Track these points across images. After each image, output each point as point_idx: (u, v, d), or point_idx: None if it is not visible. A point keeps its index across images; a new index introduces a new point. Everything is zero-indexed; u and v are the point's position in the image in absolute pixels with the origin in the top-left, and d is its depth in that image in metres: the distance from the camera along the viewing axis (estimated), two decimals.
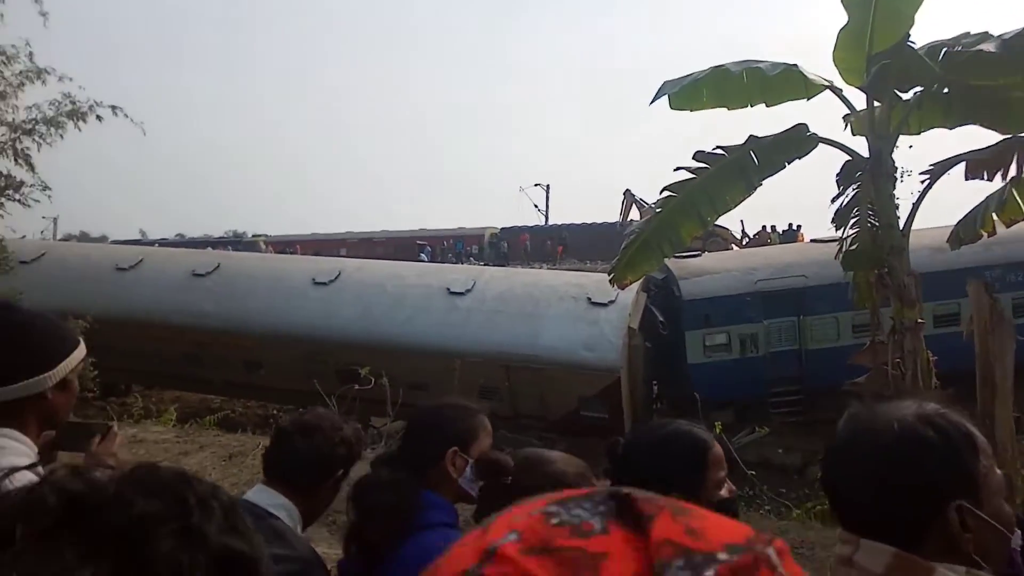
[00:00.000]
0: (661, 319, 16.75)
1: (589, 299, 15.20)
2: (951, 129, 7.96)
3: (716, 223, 26.03)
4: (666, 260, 18.32)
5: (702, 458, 1.68)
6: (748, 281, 16.27)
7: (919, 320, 6.99)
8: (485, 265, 23.36)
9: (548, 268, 23.66)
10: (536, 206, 46.57)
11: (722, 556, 0.45)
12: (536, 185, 47.78)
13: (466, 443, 2.00)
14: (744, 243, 24.31)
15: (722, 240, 23.89)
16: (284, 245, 37.83)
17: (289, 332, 14.51)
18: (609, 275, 9.73)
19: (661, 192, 8.55)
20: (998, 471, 1.16)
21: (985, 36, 6.74)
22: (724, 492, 1.71)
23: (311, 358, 13.89)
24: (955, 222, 8.68)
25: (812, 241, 18.40)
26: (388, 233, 41.37)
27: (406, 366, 11.96)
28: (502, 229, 39.45)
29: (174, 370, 15.58)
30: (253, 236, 44.87)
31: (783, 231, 25.79)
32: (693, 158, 8.15)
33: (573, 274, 18.22)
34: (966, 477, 1.11)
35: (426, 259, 28.21)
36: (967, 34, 6.96)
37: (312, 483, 2.03)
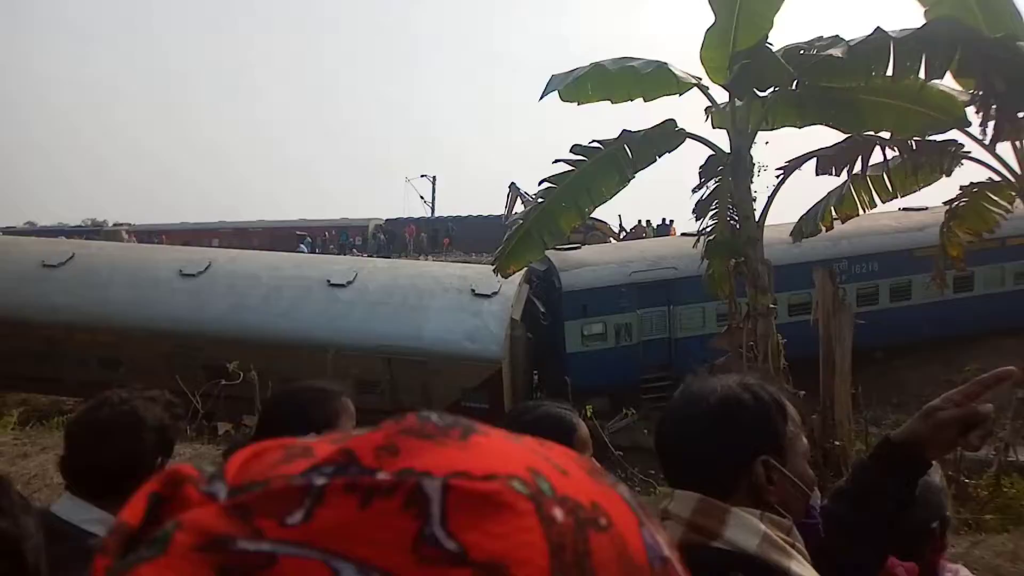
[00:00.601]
0: (542, 310, 17.06)
1: (473, 291, 15.28)
2: (801, 128, 8.59)
3: (595, 217, 26.75)
4: (547, 252, 18.79)
5: (568, 439, 1.72)
6: (623, 273, 16.88)
7: (771, 306, 7.49)
8: (369, 257, 22.89)
9: (434, 260, 23.53)
10: (422, 197, 46.10)
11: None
12: (423, 176, 47.20)
13: (327, 427, 1.93)
14: (622, 236, 25.24)
15: (601, 234, 24.65)
16: (149, 235, 35.45)
17: (152, 326, 13.59)
18: (493, 265, 9.83)
19: (540, 184, 8.71)
20: (804, 439, 1.29)
21: (836, 40, 7.31)
22: None
23: (177, 354, 13.09)
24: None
25: (683, 235, 19.30)
26: (265, 223, 39.53)
27: (283, 361, 11.52)
28: (387, 220, 38.75)
29: (20, 370, 14.21)
30: (114, 225, 41.63)
31: (658, 225, 27.00)
32: (571, 151, 8.34)
33: (457, 266, 18.24)
34: (773, 437, 1.23)
35: (306, 251, 27.26)
36: (820, 38, 7.52)
37: (124, 485, 1.83)
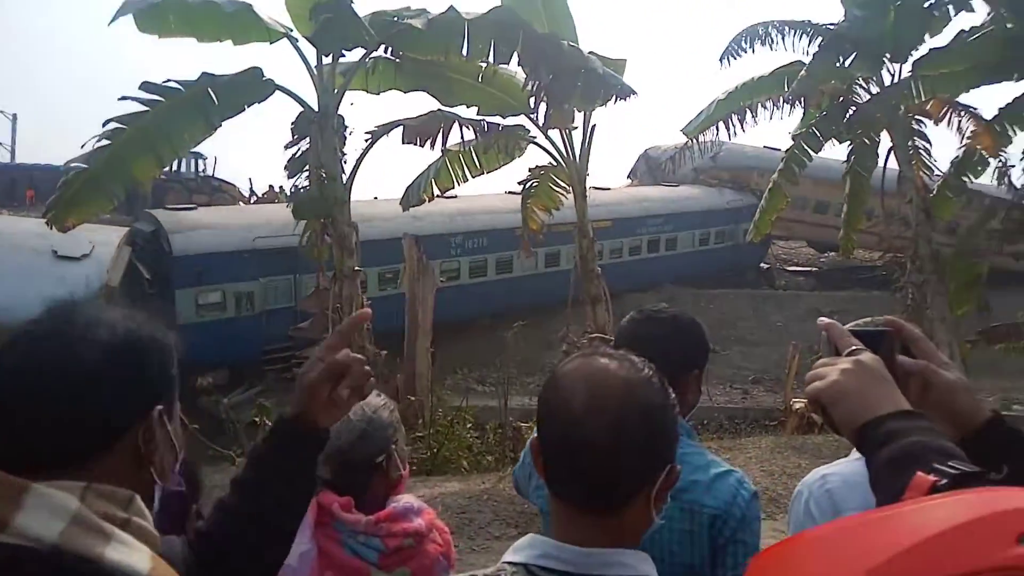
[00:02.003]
0: (148, 276, 15.28)
1: (55, 252, 12.96)
2: (406, 93, 8.83)
3: (223, 179, 24.75)
4: (156, 212, 16.82)
5: None
6: (247, 238, 15.91)
7: (356, 268, 7.59)
8: None
9: (10, 215, 19.44)
10: None
11: None
12: None
13: None
14: (252, 201, 23.84)
15: (229, 197, 23.03)
16: None
17: None
18: (45, 216, 8.32)
19: (105, 124, 7.54)
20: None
21: (422, 12, 7.58)
22: None
23: None
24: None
25: None
26: None
27: None
28: None
29: None
30: None
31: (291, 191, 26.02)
32: (141, 88, 7.37)
33: (34, 222, 15.29)
34: (171, 384, 1.03)
35: None
36: (408, 8, 7.74)
37: None
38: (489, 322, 18.00)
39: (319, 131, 7.49)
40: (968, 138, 10.96)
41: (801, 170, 10.32)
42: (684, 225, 22.35)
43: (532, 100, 7.74)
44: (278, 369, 15.65)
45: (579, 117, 8.65)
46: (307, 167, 7.71)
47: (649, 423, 1.01)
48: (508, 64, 7.77)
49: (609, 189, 21.74)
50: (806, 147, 10.42)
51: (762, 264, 24.99)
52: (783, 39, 10.46)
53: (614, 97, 7.41)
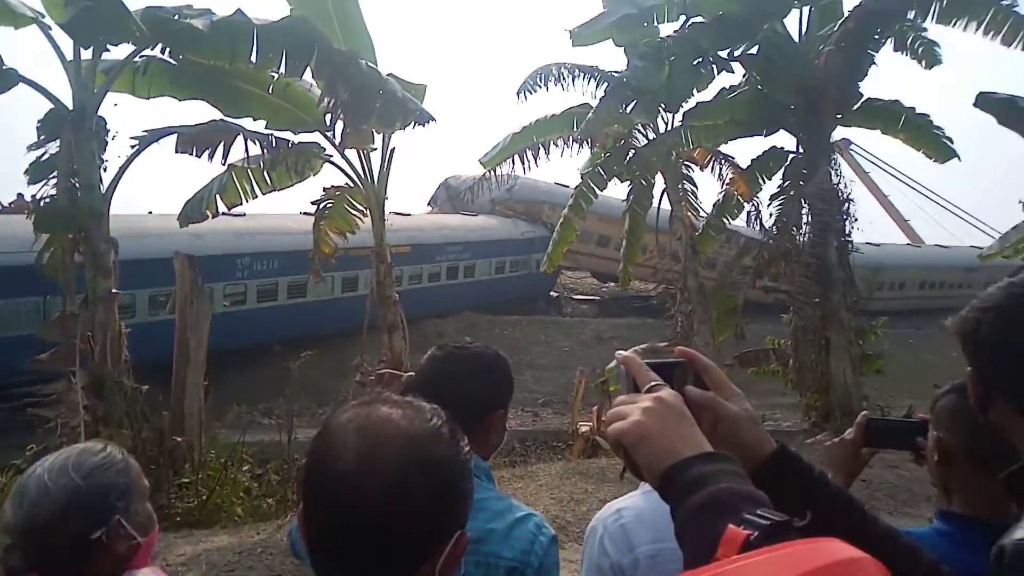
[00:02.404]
0: None
1: None
2: (181, 101, 8.00)
3: None
4: None
5: None
6: None
7: (113, 291, 6.67)
8: None
9: None
10: None
11: None
12: None
13: None
14: None
15: None
16: None
17: None
18: None
19: None
20: None
21: (206, 12, 6.92)
22: None
23: None
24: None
25: None
26: None
27: None
28: None
29: None
30: None
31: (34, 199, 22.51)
32: None
33: None
34: None
35: None
36: (190, 6, 7.04)
37: None
38: (280, 349, 16.93)
39: (72, 133, 6.51)
40: (727, 184, 12.38)
41: (588, 206, 10.95)
42: (482, 253, 22.91)
43: (328, 117, 7.38)
44: (12, 408, 13.41)
45: (379, 139, 8.41)
46: (55, 173, 6.65)
47: (434, 482, 0.85)
48: (301, 78, 7.35)
49: (409, 215, 21.67)
50: (592, 185, 11.09)
51: (552, 292, 26.36)
52: (574, 81, 11.10)
53: (413, 122, 7.28)
